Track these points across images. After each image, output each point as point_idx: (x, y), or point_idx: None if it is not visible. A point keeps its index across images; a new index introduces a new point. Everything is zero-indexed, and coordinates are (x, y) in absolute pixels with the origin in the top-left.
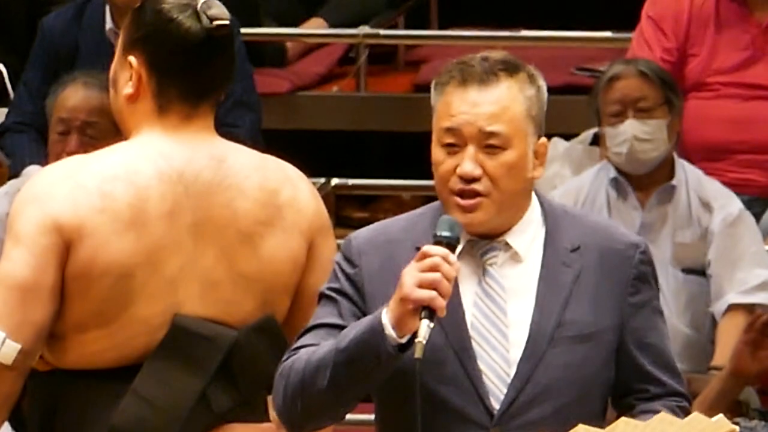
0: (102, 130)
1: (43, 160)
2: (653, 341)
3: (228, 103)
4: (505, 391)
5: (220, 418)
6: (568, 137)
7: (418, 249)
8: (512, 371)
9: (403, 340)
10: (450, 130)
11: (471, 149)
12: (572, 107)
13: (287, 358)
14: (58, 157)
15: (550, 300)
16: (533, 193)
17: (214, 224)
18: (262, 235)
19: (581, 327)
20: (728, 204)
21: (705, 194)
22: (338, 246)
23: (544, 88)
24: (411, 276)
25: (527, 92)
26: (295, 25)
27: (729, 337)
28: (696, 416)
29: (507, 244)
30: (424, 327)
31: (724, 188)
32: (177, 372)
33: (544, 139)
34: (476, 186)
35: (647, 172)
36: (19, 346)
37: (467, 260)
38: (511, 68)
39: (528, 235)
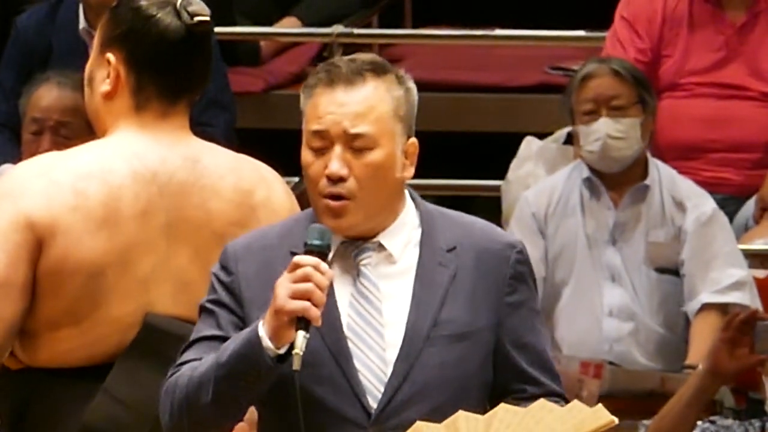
0: (75, 129)
1: (17, 159)
2: (530, 341)
3: (202, 103)
4: (382, 390)
5: None
6: (541, 136)
7: (293, 253)
8: (389, 370)
9: (282, 351)
10: (317, 133)
11: (338, 149)
12: (546, 106)
13: (171, 375)
14: (31, 157)
15: (425, 300)
16: (408, 196)
17: (188, 224)
18: (235, 236)
19: (457, 326)
20: (702, 203)
21: (678, 193)
22: None
23: (414, 91)
24: (284, 287)
25: (395, 92)
26: (269, 24)
27: (703, 336)
28: (576, 404)
29: (381, 245)
30: (300, 338)
31: (697, 187)
32: (149, 371)
33: (413, 140)
34: (342, 188)
35: (620, 170)
36: None
37: (341, 262)
38: (378, 69)
39: (402, 237)
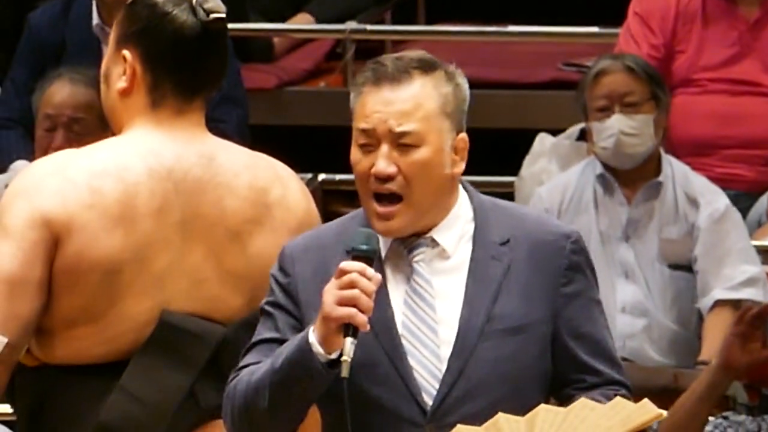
0: (88, 125)
1: (31, 155)
2: (588, 331)
3: (215, 99)
4: (437, 387)
5: (208, 415)
6: (555, 132)
7: (348, 252)
8: (444, 367)
9: (333, 356)
10: (364, 131)
11: (385, 148)
12: (559, 103)
13: (232, 379)
14: (44, 153)
15: (479, 295)
16: (462, 189)
17: (203, 222)
18: (250, 234)
19: (511, 320)
20: (715, 200)
21: (691, 190)
22: None
23: (465, 86)
24: (331, 294)
25: (442, 89)
26: (282, 20)
27: (716, 332)
28: (619, 400)
29: (433, 240)
30: (348, 345)
31: (710, 184)
32: (165, 368)
33: (463, 135)
34: (391, 185)
35: (634, 167)
36: (5, 340)
37: (394, 260)
38: (425, 66)
39: (455, 231)
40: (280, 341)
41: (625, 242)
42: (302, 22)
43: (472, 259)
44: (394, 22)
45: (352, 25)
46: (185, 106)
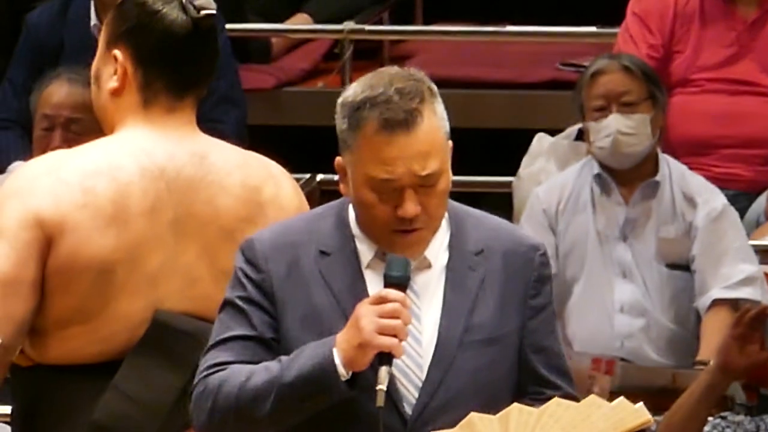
0: (86, 126)
1: (29, 156)
2: (549, 345)
3: (213, 99)
4: (417, 396)
5: None
6: (553, 132)
7: (322, 252)
8: (423, 377)
9: (349, 375)
10: (386, 181)
11: (410, 192)
12: (557, 103)
13: (209, 375)
14: (42, 153)
15: (457, 304)
16: None
17: (196, 221)
18: (243, 232)
19: (488, 331)
20: (712, 199)
21: (689, 189)
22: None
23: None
24: (370, 321)
25: (438, 110)
26: (280, 20)
27: (714, 332)
28: (622, 401)
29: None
30: (384, 373)
31: (707, 183)
32: (158, 368)
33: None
34: (416, 223)
35: (631, 166)
36: None
37: (379, 269)
38: (417, 92)
39: (437, 241)
40: (257, 339)
41: (623, 242)
42: (300, 22)
43: (449, 268)
44: (392, 22)
45: (350, 25)
46: (177, 104)
